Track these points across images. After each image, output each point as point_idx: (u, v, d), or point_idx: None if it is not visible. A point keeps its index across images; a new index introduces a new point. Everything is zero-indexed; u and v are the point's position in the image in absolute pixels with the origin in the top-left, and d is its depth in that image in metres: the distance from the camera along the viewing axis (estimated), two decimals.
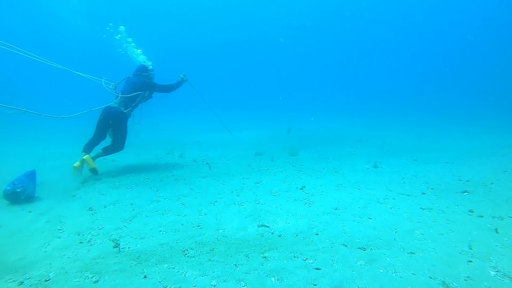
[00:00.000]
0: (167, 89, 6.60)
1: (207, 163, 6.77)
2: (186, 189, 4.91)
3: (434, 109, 20.71)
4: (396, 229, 3.38)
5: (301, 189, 4.90)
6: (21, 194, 4.13)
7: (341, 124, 15.36)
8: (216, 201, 4.35)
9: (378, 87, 40.04)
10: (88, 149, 5.69)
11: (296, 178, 5.57)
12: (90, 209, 4.01)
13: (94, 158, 5.59)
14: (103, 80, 5.96)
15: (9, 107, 3.87)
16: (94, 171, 5.49)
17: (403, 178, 5.50)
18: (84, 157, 5.42)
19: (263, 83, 42.16)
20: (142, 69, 6.50)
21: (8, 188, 4.13)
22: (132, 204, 4.19)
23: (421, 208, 4.01)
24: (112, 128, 5.88)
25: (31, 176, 4.46)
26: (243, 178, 5.53)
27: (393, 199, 4.39)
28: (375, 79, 42.74)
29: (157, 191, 4.81)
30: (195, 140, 10.31)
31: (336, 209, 4.02)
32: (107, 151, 5.87)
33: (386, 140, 9.99)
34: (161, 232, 3.34)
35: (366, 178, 5.51)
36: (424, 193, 4.60)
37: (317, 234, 3.29)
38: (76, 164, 5.30)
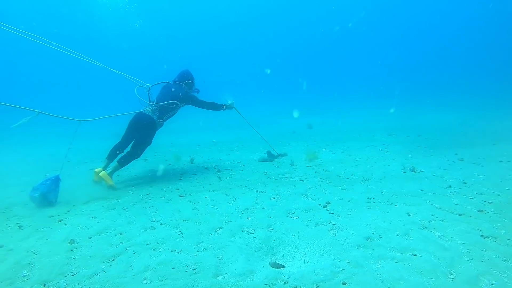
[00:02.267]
0: (207, 106, 5.95)
1: (218, 171, 6.07)
2: (189, 209, 4.22)
3: (475, 91, 18.92)
4: (452, 275, 2.51)
5: (325, 206, 4.08)
6: (41, 199, 4.32)
7: (369, 115, 14.20)
8: (221, 228, 3.62)
9: (406, 70, 37.85)
10: (112, 155, 5.45)
11: (319, 189, 4.74)
12: (72, 241, 3.40)
13: (111, 174, 5.25)
14: (135, 88, 5.43)
15: (20, 108, 3.98)
16: (112, 187, 5.15)
17: (450, 186, 4.53)
18: (101, 174, 5.10)
19: (283, 75, 40.96)
20: (185, 76, 5.87)
21: (31, 194, 4.38)
22: (121, 234, 3.54)
23: (482, 236, 3.08)
24: (138, 134, 5.50)
25: (54, 181, 4.56)
26: (257, 192, 4.77)
27: (442, 221, 3.47)
28: (403, 61, 40.45)
29: (155, 212, 4.15)
30: (211, 140, 9.64)
31: (368, 239, 3.17)
32: (123, 162, 5.41)
33: (421, 132, 8.86)
34: (145, 282, 2.65)
35: (404, 188, 4.60)
36: (482, 211, 3.64)
37: (345, 284, 2.48)
38: (96, 177, 5.17)
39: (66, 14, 35.68)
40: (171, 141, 10.02)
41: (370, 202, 4.15)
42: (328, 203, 4.19)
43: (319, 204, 4.16)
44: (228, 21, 40.98)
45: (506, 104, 13.06)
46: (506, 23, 37.28)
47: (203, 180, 5.52)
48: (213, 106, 5.98)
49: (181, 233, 3.53)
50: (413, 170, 5.41)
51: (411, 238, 3.14)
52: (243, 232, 3.51)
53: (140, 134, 5.48)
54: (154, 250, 3.19)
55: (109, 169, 5.28)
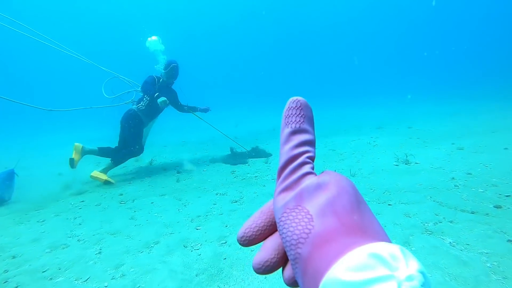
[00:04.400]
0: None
1: (178, 172, 5.10)
2: (125, 218, 3.26)
3: (461, 83, 18.44)
4: None
5: None
6: None
7: (356, 109, 13.44)
8: (157, 243, 2.67)
9: (394, 65, 37.66)
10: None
11: None
12: None
13: (105, 171, 4.82)
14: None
15: None
16: (108, 183, 4.65)
17: (453, 179, 3.67)
18: (92, 174, 4.67)
19: (267, 70, 40.23)
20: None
21: None
22: (13, 258, 2.55)
23: (510, 241, 2.22)
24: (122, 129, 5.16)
25: (6, 177, 4.10)
26: (216, 195, 3.83)
27: (450, 222, 2.60)
28: (389, 58, 40.31)
29: (79, 224, 3.17)
30: (181, 140, 8.65)
31: None
32: (116, 161, 5.00)
33: (412, 124, 8.07)
34: None
35: (398, 183, 3.73)
36: (499, 207, 2.79)
37: None
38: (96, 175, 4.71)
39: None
40: None
41: None
42: None
43: None
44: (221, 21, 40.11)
45: (499, 96, 12.47)
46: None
47: (156, 183, 4.55)
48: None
49: (99, 252, 2.56)
50: (407, 162, 4.56)
51: (413, 249, 2.24)
52: (185, 248, 2.57)
53: (123, 129, 5.18)
54: (50, 279, 2.22)
55: (102, 166, 4.87)
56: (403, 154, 4.83)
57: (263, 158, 5.57)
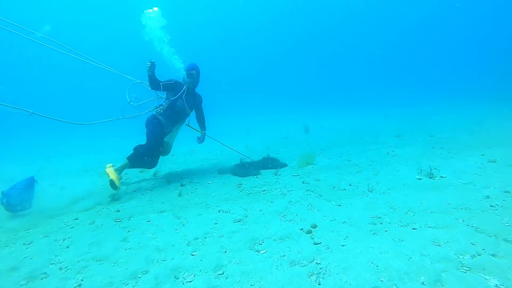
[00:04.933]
0: (199, 113, 5.53)
1: (181, 185, 4.78)
2: (116, 240, 2.94)
3: (486, 88, 17.59)
4: None
5: (309, 232, 2.78)
6: (8, 206, 3.79)
7: (372, 116, 12.91)
8: (146, 272, 2.34)
9: (412, 70, 36.73)
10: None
11: (304, 206, 3.44)
12: None
13: (119, 170, 4.62)
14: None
15: (15, 108, 3.59)
16: (112, 184, 4.38)
17: (488, 198, 3.22)
18: (106, 169, 4.57)
19: (279, 79, 39.84)
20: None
21: (1, 200, 3.79)
22: None
23: None
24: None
25: (27, 184, 4.02)
26: (219, 212, 3.48)
27: (493, 256, 2.16)
28: (408, 62, 39.38)
29: (66, 248, 2.87)
30: (189, 149, 8.35)
31: None
32: (132, 162, 4.82)
33: (434, 133, 7.54)
34: None
35: (423, 201, 3.29)
36: None
37: None
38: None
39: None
40: None
41: (375, 224, 2.84)
42: (314, 226, 2.89)
43: (301, 229, 2.86)
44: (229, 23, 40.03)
45: None
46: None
47: (157, 198, 4.24)
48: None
49: (79, 286, 2.24)
50: (431, 176, 4.11)
51: None
52: (176, 279, 2.22)
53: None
54: None
55: (118, 164, 4.72)
56: (427, 166, 4.37)
57: (272, 170, 5.19)
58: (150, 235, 3.00)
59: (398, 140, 7.12)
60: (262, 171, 5.22)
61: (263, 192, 4.12)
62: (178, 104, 5.10)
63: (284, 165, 5.54)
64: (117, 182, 4.39)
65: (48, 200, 4.43)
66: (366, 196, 3.64)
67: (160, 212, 3.63)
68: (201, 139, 5.56)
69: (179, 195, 4.24)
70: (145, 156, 4.86)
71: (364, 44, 42.11)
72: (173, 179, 5.28)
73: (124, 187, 4.97)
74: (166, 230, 3.11)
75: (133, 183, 5.24)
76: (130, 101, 5.03)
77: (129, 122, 5.24)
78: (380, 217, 2.98)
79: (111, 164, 4.66)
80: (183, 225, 3.21)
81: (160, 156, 5.25)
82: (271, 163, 5.62)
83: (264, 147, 7.91)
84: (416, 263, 2.15)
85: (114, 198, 4.30)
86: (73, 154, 8.89)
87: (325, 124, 11.84)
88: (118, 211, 3.79)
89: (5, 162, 8.69)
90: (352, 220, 2.98)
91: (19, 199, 3.84)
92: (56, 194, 4.83)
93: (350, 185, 4.11)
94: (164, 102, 5.20)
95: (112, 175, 4.42)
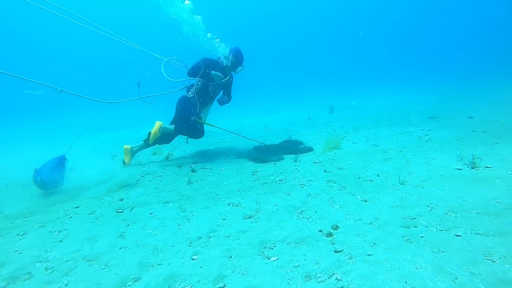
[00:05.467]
0: (226, 97, 5.33)
1: (192, 171, 4.47)
2: (113, 235, 2.66)
3: None
4: None
5: (329, 235, 2.38)
6: (42, 184, 3.86)
7: (402, 95, 12.04)
8: (137, 280, 2.03)
9: (443, 46, 34.49)
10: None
11: (325, 201, 3.03)
12: None
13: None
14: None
15: (44, 85, 3.57)
16: (124, 163, 4.99)
17: None
18: (125, 146, 5.02)
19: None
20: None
21: (34, 178, 3.88)
22: None
23: None
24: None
25: (58, 163, 4.03)
26: (228, 206, 3.13)
27: None
28: (439, 38, 36.95)
29: (60, 241, 2.62)
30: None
31: None
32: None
33: (473, 114, 6.79)
34: None
35: (466, 198, 2.80)
36: None
37: None
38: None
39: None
40: None
41: (409, 227, 2.39)
42: (336, 227, 2.48)
43: (320, 230, 2.46)
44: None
45: None
46: None
47: (164, 185, 3.95)
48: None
49: None
50: (473, 166, 3.55)
51: None
52: None
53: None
54: None
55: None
56: (468, 154, 3.81)
57: (291, 155, 4.76)
58: (150, 231, 2.70)
59: (432, 122, 6.46)
60: (281, 157, 4.80)
61: (279, 181, 3.72)
62: (211, 89, 5.09)
63: (305, 149, 5.10)
64: (126, 163, 4.95)
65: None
66: (397, 189, 3.17)
67: (165, 203, 3.33)
68: (222, 102, 5.26)
69: (188, 183, 3.92)
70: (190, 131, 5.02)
71: (393, 19, 39.78)
72: (185, 163, 4.98)
73: (133, 169, 4.73)
74: (168, 225, 2.79)
75: (144, 165, 4.98)
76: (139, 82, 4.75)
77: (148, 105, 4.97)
78: (414, 218, 2.52)
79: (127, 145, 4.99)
80: (188, 219, 2.88)
81: (175, 138, 5.22)
82: (291, 147, 5.19)
83: (285, 129, 7.46)
84: (463, 283, 1.70)
85: (121, 184, 4.04)
86: (90, 133, 8.81)
87: (351, 104, 11.17)
88: (122, 199, 3.52)
89: (25, 141, 8.74)
90: (380, 221, 2.54)
91: (51, 177, 3.89)
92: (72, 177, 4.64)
93: (378, 175, 3.64)
94: (196, 84, 5.08)
95: (126, 157, 4.96)
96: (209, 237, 2.51)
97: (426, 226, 2.37)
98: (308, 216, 2.74)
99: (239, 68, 5.17)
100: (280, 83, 21.84)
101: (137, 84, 4.60)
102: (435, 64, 25.60)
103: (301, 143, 5.63)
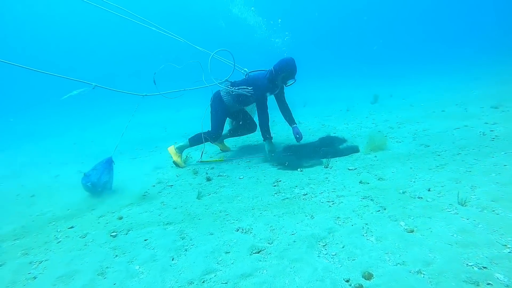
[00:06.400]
0: (260, 113, 4.60)
1: (207, 179, 3.96)
2: (94, 271, 2.21)
3: None
4: None
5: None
6: (93, 188, 3.73)
7: (455, 79, 10.59)
8: None
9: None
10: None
11: (357, 230, 2.35)
12: None
13: (180, 149, 4.78)
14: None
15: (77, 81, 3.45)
16: (177, 164, 4.70)
17: None
18: (169, 148, 4.82)
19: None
20: (282, 67, 4.42)
21: (82, 181, 3.79)
22: None
23: None
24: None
25: (106, 165, 3.88)
26: (236, 231, 2.57)
27: None
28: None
29: (33, 279, 2.22)
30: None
31: None
32: (192, 141, 4.82)
33: None
34: None
35: None
36: None
37: None
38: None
39: None
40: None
41: (479, 286, 1.66)
42: (369, 276, 1.82)
43: (347, 281, 1.82)
44: None
45: None
46: None
47: (171, 199, 3.47)
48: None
49: None
50: None
51: None
52: None
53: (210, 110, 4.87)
54: None
55: (178, 144, 4.85)
56: None
57: (323, 160, 4.07)
58: (137, 268, 2.22)
59: (498, 113, 5.35)
60: (310, 161, 4.13)
61: (303, 197, 3.08)
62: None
63: (340, 151, 4.38)
64: (180, 163, 4.68)
65: (62, 194, 4.00)
66: (455, 213, 2.40)
67: (166, 225, 2.84)
68: (296, 133, 4.67)
69: (198, 196, 3.42)
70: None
71: None
72: (202, 168, 4.50)
73: (146, 178, 4.34)
74: (159, 259, 2.30)
75: (160, 169, 4.60)
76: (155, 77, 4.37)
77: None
78: (485, 268, 1.78)
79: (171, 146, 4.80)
80: (185, 251, 2.37)
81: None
82: (323, 149, 4.50)
83: (320, 124, 6.73)
84: None
85: (129, 196, 3.64)
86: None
87: (396, 91, 10.02)
88: (121, 218, 3.10)
89: (53, 139, 8.81)
90: (433, 268, 1.83)
91: (100, 180, 3.77)
92: (74, 185, 4.37)
93: (428, 189, 2.86)
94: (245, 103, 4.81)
95: (174, 157, 4.68)
96: (203, 282, 1.98)
97: (507, 286, 1.63)
98: (333, 254, 2.09)
99: (291, 81, 4.52)
100: (318, 71, 20.64)
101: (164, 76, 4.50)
102: (494, 40, 22.68)
103: (336, 142, 4.90)
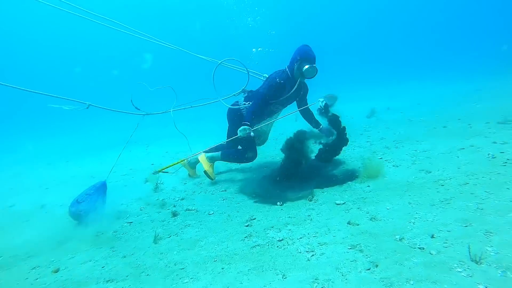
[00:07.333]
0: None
1: (173, 214, 3.40)
2: None
3: None
4: None
5: None
6: (85, 216, 3.31)
7: (458, 88, 10.08)
8: None
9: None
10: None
11: None
12: None
13: (212, 160, 4.33)
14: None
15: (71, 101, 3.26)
16: (207, 176, 4.25)
17: None
18: (200, 156, 4.37)
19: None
20: (294, 56, 3.98)
21: (71, 209, 3.39)
22: None
23: None
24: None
25: (100, 190, 3.61)
26: None
27: None
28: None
29: None
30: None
31: None
32: (223, 156, 4.37)
33: None
34: None
35: None
36: None
37: None
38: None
39: None
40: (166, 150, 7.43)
41: None
42: None
43: None
44: None
45: None
46: None
47: (125, 243, 2.90)
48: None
49: None
50: None
51: None
52: None
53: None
54: None
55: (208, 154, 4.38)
56: None
57: (306, 190, 3.50)
58: None
59: (506, 130, 4.80)
60: (291, 194, 3.56)
61: (278, 244, 2.51)
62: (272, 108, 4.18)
63: (326, 179, 3.82)
64: (210, 175, 4.21)
65: (6, 232, 3.44)
66: (469, 275, 1.84)
67: (106, 282, 2.27)
68: (325, 132, 4.45)
69: (155, 240, 2.85)
70: (235, 159, 4.28)
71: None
72: (171, 197, 3.94)
73: (108, 210, 3.77)
74: None
75: (122, 203, 4.02)
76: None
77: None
78: None
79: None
80: None
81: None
82: (309, 175, 3.95)
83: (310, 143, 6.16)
84: None
85: (78, 238, 3.08)
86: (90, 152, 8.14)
87: (393, 104, 9.51)
88: (57, 271, 2.52)
89: (43, 160, 8.26)
90: None
91: (94, 207, 3.44)
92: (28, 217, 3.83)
93: (432, 236, 2.29)
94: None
95: (205, 166, 4.23)
96: None
97: None
98: None
99: (308, 69, 3.87)
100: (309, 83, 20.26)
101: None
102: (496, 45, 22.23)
103: (324, 166, 4.36)
